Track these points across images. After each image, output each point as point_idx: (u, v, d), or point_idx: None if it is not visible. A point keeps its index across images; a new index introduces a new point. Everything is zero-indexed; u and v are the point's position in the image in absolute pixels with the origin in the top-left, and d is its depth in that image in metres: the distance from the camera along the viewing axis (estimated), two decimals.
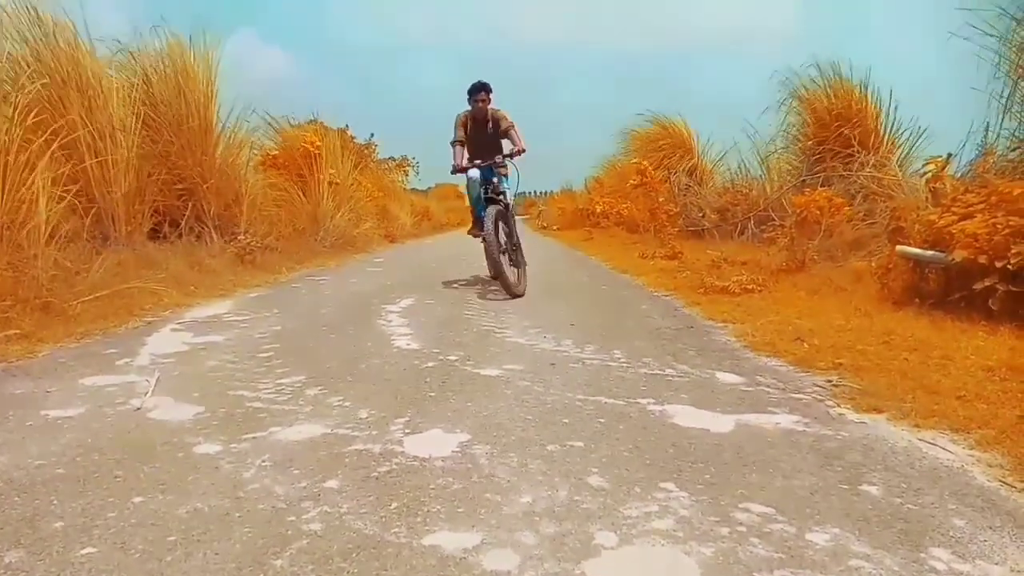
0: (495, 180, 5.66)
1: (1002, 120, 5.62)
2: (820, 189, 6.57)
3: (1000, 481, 1.74)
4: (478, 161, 5.65)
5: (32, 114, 4.67)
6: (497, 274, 5.35)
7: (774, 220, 7.19)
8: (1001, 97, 5.54)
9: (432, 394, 2.53)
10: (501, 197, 5.54)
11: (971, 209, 3.87)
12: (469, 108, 5.81)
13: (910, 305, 3.98)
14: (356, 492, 1.63)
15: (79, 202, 5.37)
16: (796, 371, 2.88)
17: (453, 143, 5.76)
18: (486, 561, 1.33)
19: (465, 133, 5.81)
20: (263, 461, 1.84)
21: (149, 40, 7.17)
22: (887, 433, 2.11)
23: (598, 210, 16.88)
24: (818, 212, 5.86)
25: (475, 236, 5.74)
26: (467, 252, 7.29)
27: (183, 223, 6.83)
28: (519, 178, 5.87)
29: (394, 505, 1.56)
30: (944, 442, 2.02)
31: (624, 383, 2.71)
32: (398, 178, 20.83)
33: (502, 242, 5.41)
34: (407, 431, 2.09)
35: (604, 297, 5.51)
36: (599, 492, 1.66)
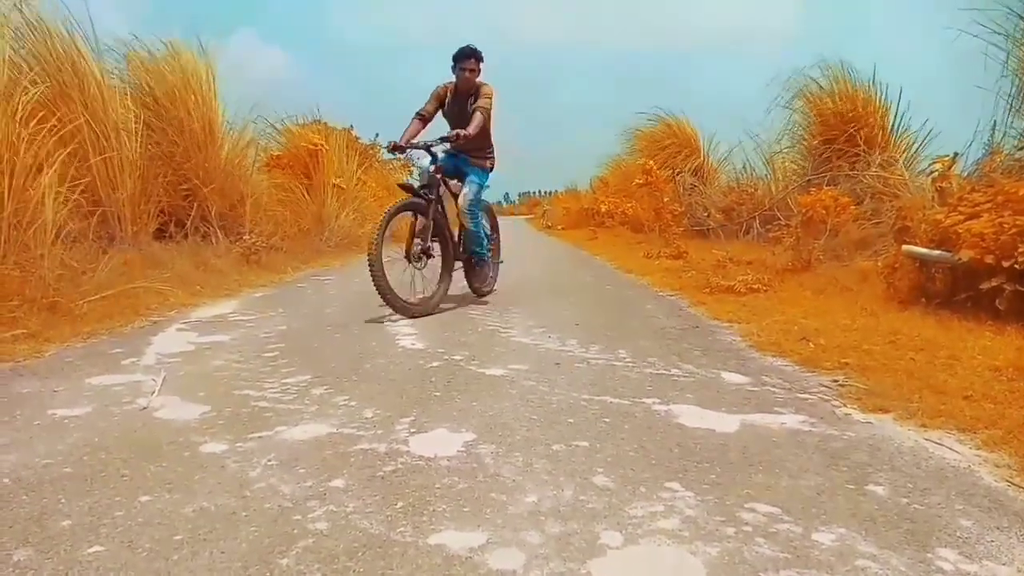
0: (466, 173, 4.75)
1: (1009, 119, 5.59)
2: (826, 188, 6.55)
3: (1008, 481, 1.73)
4: (436, 141, 4.55)
5: (37, 115, 4.69)
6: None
7: (779, 220, 7.17)
8: (1008, 95, 5.51)
9: (437, 394, 2.53)
10: (425, 192, 4.42)
11: (978, 208, 3.85)
12: (453, 79, 4.76)
13: (916, 305, 3.97)
14: (362, 491, 1.64)
15: (85, 202, 5.40)
16: (802, 371, 2.87)
17: (415, 114, 4.71)
18: (491, 560, 1.33)
19: (441, 108, 4.82)
20: (269, 460, 1.84)
21: (150, 41, 7.21)
22: (893, 433, 2.11)
23: (603, 209, 16.86)
24: (824, 211, 5.84)
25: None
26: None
27: (188, 223, 6.86)
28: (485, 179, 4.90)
29: (400, 504, 1.56)
30: (951, 442, 2.01)
31: (629, 383, 2.71)
32: (403, 177, 20.81)
33: (418, 257, 4.38)
34: (412, 430, 2.09)
35: (609, 297, 5.50)
36: (604, 492, 1.66)
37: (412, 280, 4.38)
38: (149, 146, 6.55)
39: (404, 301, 4.20)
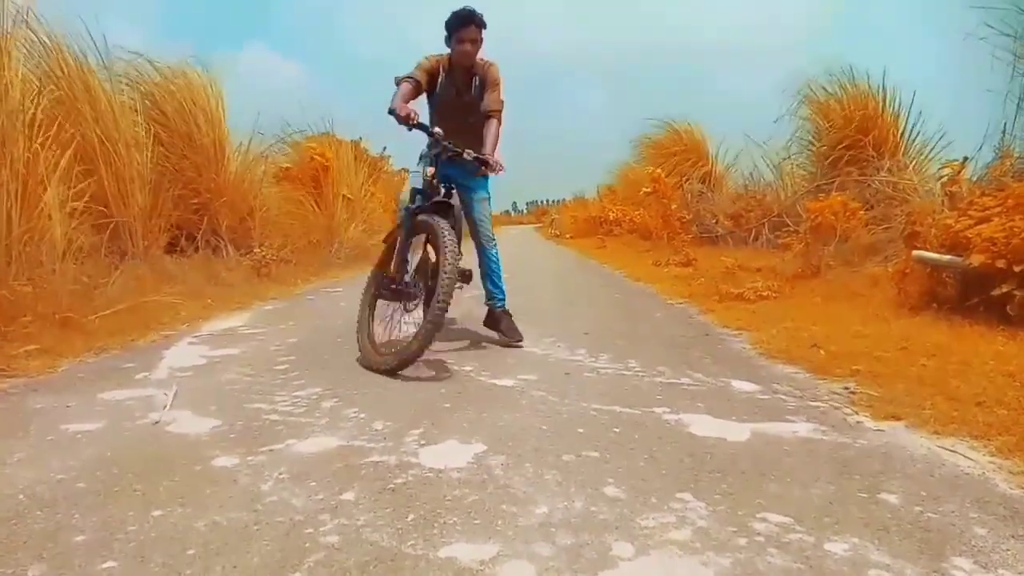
0: (469, 188, 3.72)
1: (1017, 121, 5.55)
2: (835, 194, 6.53)
3: (1023, 489, 1.71)
4: (450, 144, 3.36)
5: (47, 130, 4.75)
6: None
7: (789, 226, 7.15)
8: (1017, 98, 5.48)
9: (447, 405, 2.54)
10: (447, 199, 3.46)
11: (988, 213, 3.83)
12: (448, 51, 3.62)
13: (927, 310, 3.94)
14: (372, 504, 1.64)
15: (97, 217, 5.46)
16: (813, 378, 2.86)
17: (399, 79, 3.49)
18: (502, 573, 1.33)
19: (429, 88, 3.61)
20: (280, 474, 1.85)
21: (160, 56, 7.30)
22: (906, 441, 2.09)
23: (611, 217, 16.87)
24: (833, 217, 5.82)
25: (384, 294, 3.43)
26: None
27: (199, 237, 6.92)
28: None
29: (410, 517, 1.57)
30: (964, 449, 2.00)
31: (639, 392, 2.71)
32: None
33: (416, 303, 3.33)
34: (423, 442, 2.10)
35: (618, 305, 5.49)
36: (615, 502, 1.65)
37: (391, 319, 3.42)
38: (159, 161, 6.61)
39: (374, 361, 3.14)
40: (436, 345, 3.64)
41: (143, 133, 6.29)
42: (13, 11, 4.62)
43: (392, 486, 1.75)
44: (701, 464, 1.91)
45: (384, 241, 3.72)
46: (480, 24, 3.54)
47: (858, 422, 2.29)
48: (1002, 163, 5.17)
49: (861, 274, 5.23)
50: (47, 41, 5.68)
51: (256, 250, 7.02)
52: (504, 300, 3.86)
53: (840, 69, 8.65)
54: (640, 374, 3.03)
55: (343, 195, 10.22)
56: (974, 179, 5.39)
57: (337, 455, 1.99)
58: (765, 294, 4.85)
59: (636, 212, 14.36)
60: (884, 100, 8.24)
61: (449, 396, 2.66)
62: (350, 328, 3.52)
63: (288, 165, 10.23)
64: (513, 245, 5.11)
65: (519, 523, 1.54)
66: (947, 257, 3.94)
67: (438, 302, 2.97)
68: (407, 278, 3.30)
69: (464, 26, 3.51)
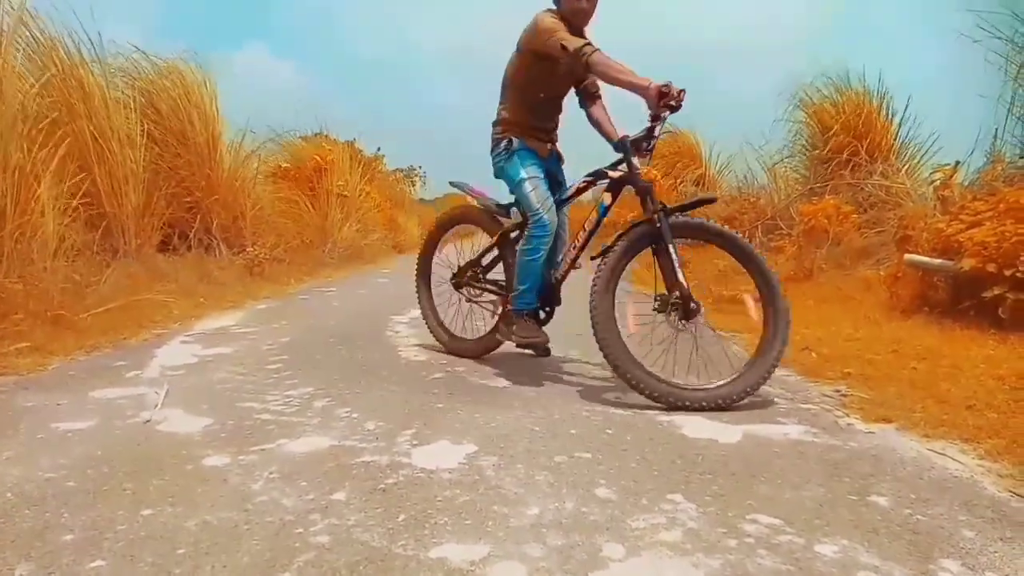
0: (559, 179, 3.24)
1: (1008, 126, 5.58)
2: (828, 197, 6.55)
3: (1011, 492, 1.73)
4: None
5: (41, 126, 4.73)
6: None
7: (782, 229, 7.18)
8: (1008, 103, 5.52)
9: (439, 405, 2.53)
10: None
11: (979, 217, 3.86)
12: (554, 7, 2.96)
13: (919, 314, 3.97)
14: (363, 504, 1.64)
15: (89, 215, 5.43)
16: (804, 381, 2.88)
17: (585, 47, 2.69)
18: (493, 574, 1.33)
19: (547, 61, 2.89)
20: (271, 473, 1.84)
21: (154, 53, 7.26)
22: (896, 443, 2.10)
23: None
24: (826, 221, 5.85)
25: (522, 343, 3.19)
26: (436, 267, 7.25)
27: (192, 235, 6.89)
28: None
29: (401, 517, 1.56)
30: (954, 452, 2.01)
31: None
32: (406, 189, 20.89)
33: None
34: (414, 442, 2.09)
35: None
36: (606, 504, 1.65)
37: None
38: (153, 159, 6.59)
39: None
40: (430, 347, 3.65)
41: (137, 130, 6.25)
42: (7, 6, 4.62)
43: (383, 486, 1.75)
44: (692, 465, 1.92)
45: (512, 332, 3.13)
46: None
47: (849, 424, 2.30)
48: (993, 168, 5.21)
49: (853, 277, 5.26)
50: (40, 36, 5.64)
51: (249, 249, 6.99)
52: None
53: (836, 73, 8.69)
54: None
55: (338, 194, 10.22)
56: (966, 183, 5.42)
57: (328, 455, 1.99)
58: (758, 296, 4.85)
59: (631, 214, 14.37)
60: (880, 104, 8.28)
61: (442, 397, 2.66)
62: (343, 328, 3.51)
63: (283, 164, 10.23)
64: None
65: (510, 524, 1.54)
66: (938, 261, 3.97)
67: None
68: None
69: None
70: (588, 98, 3.27)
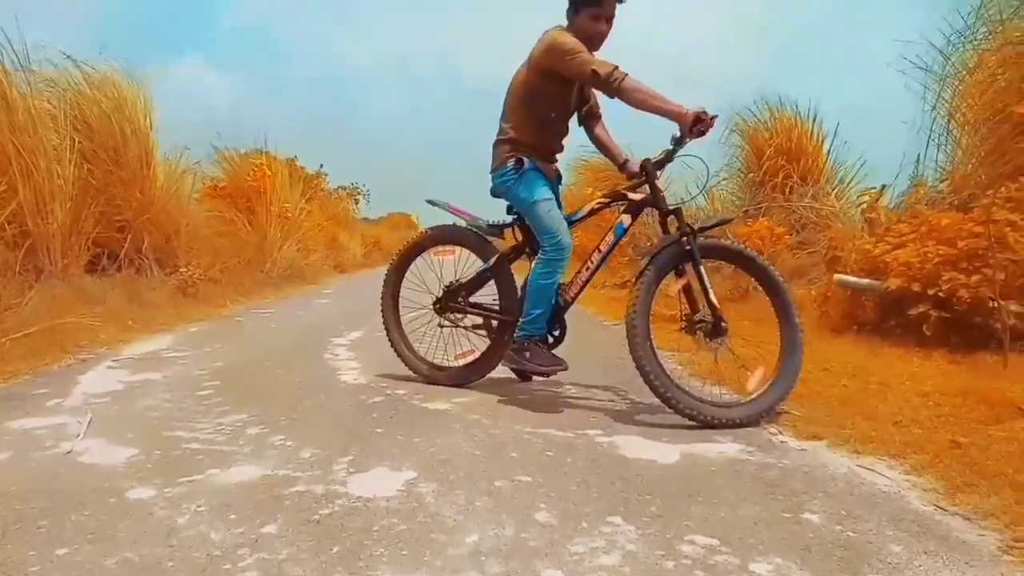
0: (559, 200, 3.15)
1: (928, 151, 5.85)
2: (762, 219, 6.76)
3: (935, 505, 1.78)
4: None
5: None
6: None
7: None
8: (928, 130, 5.79)
9: (379, 430, 2.48)
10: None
11: (904, 239, 4.03)
12: (567, 24, 2.91)
13: (848, 332, 4.11)
14: (296, 537, 1.58)
15: (11, 233, 5.18)
16: (740, 399, 2.93)
17: (616, 71, 2.66)
18: None
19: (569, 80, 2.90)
20: (199, 506, 1.76)
21: (86, 66, 6.99)
22: (827, 460, 2.16)
23: None
24: (760, 241, 6.02)
25: (540, 372, 3.05)
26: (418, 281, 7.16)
27: (122, 255, 6.63)
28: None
29: (335, 550, 1.51)
30: (882, 468, 2.07)
31: (573, 414, 2.72)
32: (349, 207, 20.67)
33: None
34: (351, 470, 2.04)
35: None
36: (546, 528, 1.64)
37: None
38: (82, 175, 6.32)
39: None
40: (370, 369, 3.59)
41: (66, 144, 6.00)
42: None
43: (317, 517, 1.70)
44: (632, 487, 1.92)
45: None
46: None
47: (782, 442, 2.35)
48: (916, 192, 5.46)
49: (772, 305, 5.41)
50: None
51: (183, 269, 6.76)
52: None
53: (769, 98, 9.00)
54: (575, 396, 3.05)
55: (278, 212, 10.02)
56: (891, 206, 5.67)
57: (261, 485, 1.92)
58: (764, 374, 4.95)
59: (575, 234, 14.51)
60: (811, 128, 8.61)
61: (382, 421, 2.61)
62: (280, 351, 3.40)
63: (220, 182, 9.99)
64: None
65: (448, 552, 1.51)
66: (866, 281, 4.12)
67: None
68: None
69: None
70: (591, 118, 3.26)
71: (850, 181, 8.20)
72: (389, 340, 3.43)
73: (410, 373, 3.37)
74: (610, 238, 2.99)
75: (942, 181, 5.67)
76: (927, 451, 2.15)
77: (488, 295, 3.21)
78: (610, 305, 6.37)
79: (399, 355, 3.40)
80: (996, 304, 3.28)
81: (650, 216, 3.08)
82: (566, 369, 2.91)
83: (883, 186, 5.93)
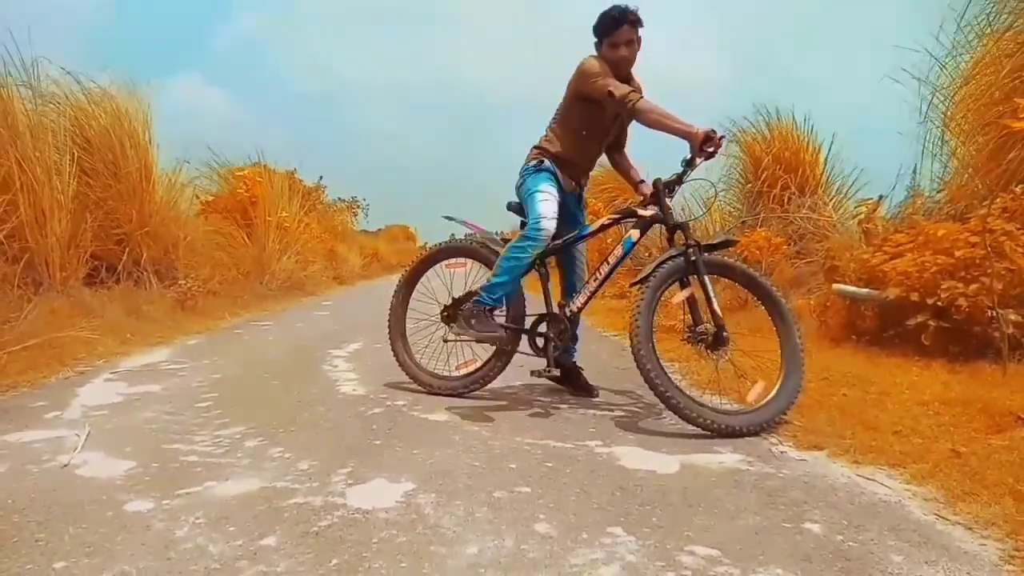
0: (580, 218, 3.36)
1: (924, 162, 5.87)
2: (759, 230, 6.77)
3: (935, 515, 1.78)
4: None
5: None
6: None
7: None
8: (924, 140, 5.81)
9: (377, 442, 2.48)
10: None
11: (901, 248, 4.04)
12: (596, 54, 3.07)
13: (847, 342, 4.11)
14: (294, 549, 1.57)
15: (11, 247, 5.19)
16: (740, 408, 2.92)
17: (630, 94, 2.85)
18: None
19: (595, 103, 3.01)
20: (197, 518, 1.76)
21: (86, 83, 7.03)
22: (828, 470, 2.15)
23: None
24: (758, 252, 6.03)
25: (479, 339, 3.06)
26: (417, 294, 7.15)
27: (120, 268, 6.63)
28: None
29: (334, 562, 1.51)
30: (882, 477, 2.07)
31: (572, 425, 2.71)
32: (348, 219, 20.70)
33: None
34: (350, 482, 2.03)
35: None
36: (546, 540, 1.63)
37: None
38: (81, 188, 6.34)
39: None
40: (369, 380, 3.58)
41: (66, 158, 6.02)
42: None
43: (316, 529, 1.69)
44: (631, 497, 1.92)
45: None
46: (634, 22, 2.99)
47: (782, 452, 2.35)
48: (913, 202, 5.47)
49: (773, 324, 5.42)
50: None
51: (181, 282, 6.76)
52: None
53: (766, 109, 9.03)
54: (574, 406, 3.04)
55: (277, 224, 10.04)
56: (888, 217, 5.68)
57: (259, 497, 1.91)
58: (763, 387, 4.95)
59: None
60: (808, 139, 8.64)
61: (380, 433, 2.60)
62: (279, 363, 3.39)
63: (218, 195, 10.00)
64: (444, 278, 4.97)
65: (448, 564, 1.50)
66: (865, 290, 4.12)
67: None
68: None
69: (615, 27, 2.99)
70: (615, 148, 3.46)
71: (846, 192, 8.25)
72: (392, 350, 3.47)
73: (409, 384, 3.38)
74: (618, 251, 3.05)
75: (939, 191, 5.69)
76: (927, 460, 2.14)
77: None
78: (609, 316, 6.37)
79: (401, 365, 3.44)
80: (995, 313, 3.28)
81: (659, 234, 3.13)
82: (500, 339, 3.02)
83: (880, 196, 5.95)
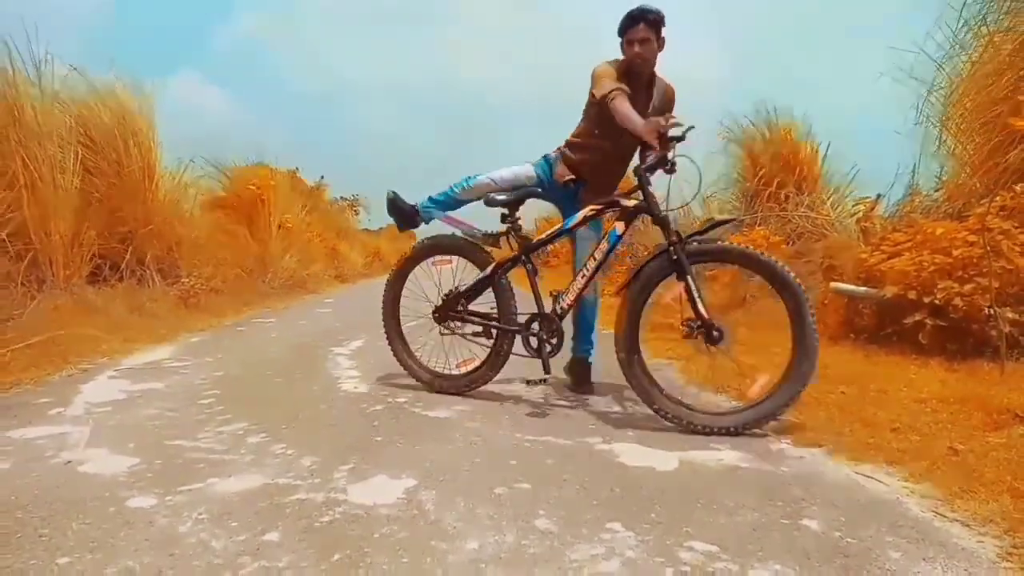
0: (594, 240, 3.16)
1: (922, 161, 5.88)
2: (758, 228, 6.78)
3: (933, 512, 1.79)
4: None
5: None
6: None
7: None
8: (922, 139, 5.81)
9: (379, 438, 2.49)
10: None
11: (899, 247, 4.05)
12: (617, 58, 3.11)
13: (846, 340, 4.12)
14: (296, 544, 1.59)
15: (14, 244, 5.20)
16: (738, 406, 2.94)
17: (610, 93, 2.88)
18: None
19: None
20: (200, 514, 1.77)
21: (90, 81, 7.03)
22: (826, 467, 2.17)
23: (549, 249, 17.06)
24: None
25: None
26: (418, 291, 7.16)
27: (124, 266, 6.64)
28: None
29: (336, 557, 1.52)
30: (880, 475, 2.08)
31: (572, 422, 2.73)
32: (349, 218, 20.72)
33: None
34: (352, 478, 2.05)
35: None
36: (546, 535, 1.65)
37: None
38: (85, 186, 6.35)
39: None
40: (371, 377, 3.60)
41: (70, 156, 6.03)
42: None
43: (318, 524, 1.71)
44: (631, 494, 1.93)
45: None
46: (652, 22, 2.97)
47: (780, 449, 2.36)
48: (911, 201, 5.49)
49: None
50: None
51: (184, 279, 6.78)
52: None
53: (765, 108, 9.03)
54: (573, 404, 3.06)
55: (280, 223, 10.06)
56: (886, 216, 5.69)
57: (261, 493, 1.93)
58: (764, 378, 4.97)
59: (572, 243, 14.56)
60: (804, 140, 8.63)
61: (381, 429, 2.62)
62: (281, 361, 3.41)
63: (221, 193, 10.02)
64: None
65: (449, 560, 1.52)
66: (863, 288, 4.14)
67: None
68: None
69: (632, 25, 2.99)
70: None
71: (844, 190, 8.25)
72: (392, 349, 3.48)
73: (410, 381, 3.40)
74: (604, 246, 3.00)
75: (937, 190, 5.70)
76: (925, 458, 2.16)
77: (485, 302, 3.25)
78: (606, 313, 6.37)
79: (400, 363, 3.45)
80: (992, 312, 3.30)
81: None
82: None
83: (878, 195, 5.97)
